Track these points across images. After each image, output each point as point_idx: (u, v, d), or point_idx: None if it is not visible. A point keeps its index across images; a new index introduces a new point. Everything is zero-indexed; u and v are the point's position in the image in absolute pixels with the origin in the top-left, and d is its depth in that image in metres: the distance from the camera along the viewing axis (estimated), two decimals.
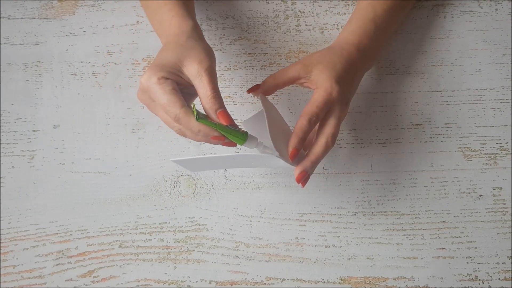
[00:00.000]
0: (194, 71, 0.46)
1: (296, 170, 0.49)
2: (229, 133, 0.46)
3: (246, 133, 0.47)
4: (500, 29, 0.63)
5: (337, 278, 0.56)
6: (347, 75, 0.52)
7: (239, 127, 0.47)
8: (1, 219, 0.58)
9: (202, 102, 0.46)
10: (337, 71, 0.51)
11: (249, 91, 0.53)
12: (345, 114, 0.52)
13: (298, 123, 0.49)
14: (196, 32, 0.50)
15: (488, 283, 0.55)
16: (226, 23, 0.64)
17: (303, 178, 0.49)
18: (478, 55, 0.62)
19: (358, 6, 0.57)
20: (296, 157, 0.49)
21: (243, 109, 0.61)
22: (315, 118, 0.49)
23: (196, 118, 0.45)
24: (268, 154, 0.48)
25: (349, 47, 0.53)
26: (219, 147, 0.59)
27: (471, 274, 0.55)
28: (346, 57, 0.52)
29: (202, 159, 0.50)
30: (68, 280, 0.56)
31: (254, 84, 0.62)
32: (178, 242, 0.57)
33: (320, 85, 0.50)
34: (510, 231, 0.56)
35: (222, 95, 0.61)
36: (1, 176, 0.59)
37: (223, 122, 0.45)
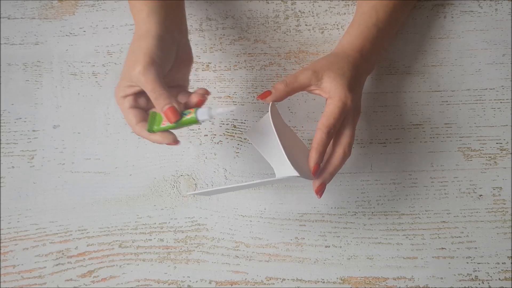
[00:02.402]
0: (134, 78, 0.46)
1: (315, 183, 0.49)
2: (183, 123, 0.46)
3: (195, 113, 0.46)
4: (500, 29, 0.63)
5: (337, 278, 0.56)
6: (356, 82, 0.51)
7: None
8: (1, 219, 0.58)
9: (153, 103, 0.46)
10: (348, 79, 0.50)
11: (259, 97, 0.51)
12: (358, 120, 0.52)
13: (317, 137, 0.48)
14: (151, 31, 0.48)
15: (488, 283, 0.55)
16: (226, 23, 0.64)
17: (322, 190, 0.49)
18: (478, 55, 0.62)
19: (359, 10, 0.57)
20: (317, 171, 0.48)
21: (243, 109, 0.61)
22: (333, 130, 0.48)
23: (148, 129, 0.47)
24: (288, 176, 0.47)
25: (353, 53, 0.53)
26: (220, 153, 0.59)
27: (471, 274, 0.55)
28: (353, 63, 0.52)
29: (222, 189, 0.50)
30: (68, 280, 0.56)
31: (253, 84, 0.62)
32: (178, 242, 0.57)
33: (334, 95, 0.49)
34: (510, 231, 0.56)
35: (222, 95, 0.61)
36: (1, 176, 0.59)
37: (171, 120, 0.45)
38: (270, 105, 0.50)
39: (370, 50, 0.54)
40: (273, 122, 0.48)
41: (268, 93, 0.51)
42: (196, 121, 0.46)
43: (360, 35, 0.54)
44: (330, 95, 0.50)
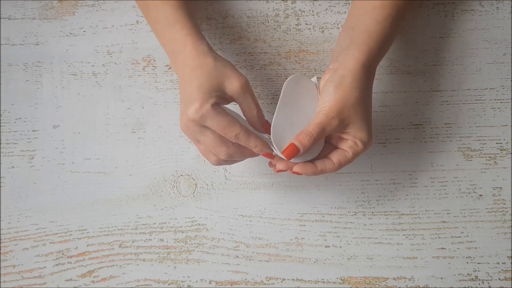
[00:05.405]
0: (237, 89, 0.48)
1: (281, 163, 0.49)
2: None
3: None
4: (501, 28, 0.63)
5: (337, 278, 0.56)
6: (369, 110, 0.49)
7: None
8: (1, 219, 0.58)
9: (248, 115, 0.50)
10: (368, 119, 0.49)
11: (286, 157, 0.48)
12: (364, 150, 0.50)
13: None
14: (213, 51, 0.51)
15: (488, 283, 0.55)
16: (226, 22, 0.64)
17: (282, 168, 0.49)
18: (479, 54, 0.62)
19: (358, 13, 0.53)
20: (292, 156, 0.47)
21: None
22: (340, 166, 0.49)
23: None
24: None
25: (358, 73, 0.49)
26: None
27: (471, 274, 0.55)
28: (360, 88, 0.48)
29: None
30: (68, 280, 0.56)
31: (253, 84, 0.61)
32: (178, 242, 0.57)
33: (359, 138, 0.48)
34: (510, 231, 0.56)
35: None
36: (1, 176, 0.59)
37: (268, 132, 0.50)
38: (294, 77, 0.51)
39: (372, 61, 0.50)
40: (295, 91, 0.51)
41: (296, 150, 0.48)
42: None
43: (361, 44, 0.50)
44: (355, 138, 0.49)
